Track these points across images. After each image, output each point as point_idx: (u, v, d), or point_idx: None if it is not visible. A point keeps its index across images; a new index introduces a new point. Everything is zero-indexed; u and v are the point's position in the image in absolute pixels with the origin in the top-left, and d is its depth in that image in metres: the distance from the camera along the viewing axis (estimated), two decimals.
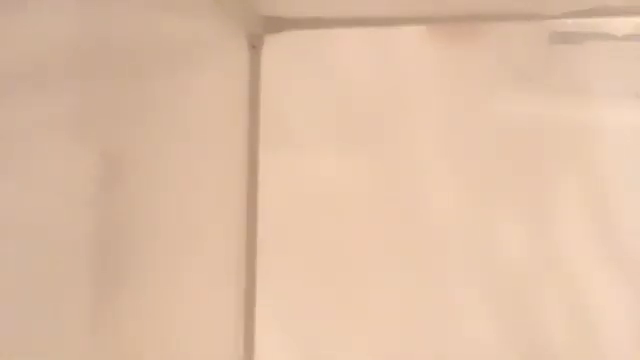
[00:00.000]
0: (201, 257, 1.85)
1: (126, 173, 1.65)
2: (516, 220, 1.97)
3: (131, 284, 1.63)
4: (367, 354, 2.00)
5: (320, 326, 2.01)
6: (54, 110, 1.42)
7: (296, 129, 2.03)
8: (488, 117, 1.99)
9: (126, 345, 1.61)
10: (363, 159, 2.03)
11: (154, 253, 1.70)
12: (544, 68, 1.98)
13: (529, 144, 1.97)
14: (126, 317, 1.62)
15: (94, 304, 1.55)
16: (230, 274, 2.01)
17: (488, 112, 2.00)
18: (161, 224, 1.72)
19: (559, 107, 1.97)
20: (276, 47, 2.00)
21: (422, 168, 2.00)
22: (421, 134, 2.01)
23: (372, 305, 2.01)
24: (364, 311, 2.01)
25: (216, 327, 1.96)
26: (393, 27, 1.97)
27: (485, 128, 1.99)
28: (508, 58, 1.98)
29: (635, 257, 1.94)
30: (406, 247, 2.00)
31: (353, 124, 2.03)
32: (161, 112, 1.72)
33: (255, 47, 2.00)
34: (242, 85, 2.01)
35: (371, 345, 2.00)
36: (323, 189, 2.03)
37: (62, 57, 1.43)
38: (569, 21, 1.92)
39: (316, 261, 2.02)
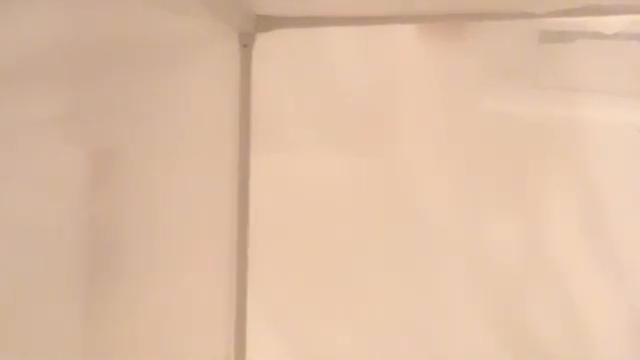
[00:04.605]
0: (193, 256, 1.85)
1: (117, 172, 1.65)
2: (508, 218, 1.98)
3: (123, 282, 1.63)
4: (360, 352, 2.00)
5: (312, 325, 2.01)
6: (44, 109, 1.42)
7: (287, 127, 2.03)
8: (479, 115, 2.00)
9: (119, 342, 1.61)
10: (354, 158, 2.04)
11: (146, 251, 1.70)
12: (535, 66, 1.99)
13: (520, 142, 1.97)
14: (119, 315, 1.61)
15: (87, 301, 1.55)
16: (222, 273, 2.01)
17: (479, 110, 2.00)
18: (152, 222, 1.72)
19: (550, 105, 1.98)
20: (267, 46, 2.00)
21: (413, 166, 2.00)
22: (412, 133, 2.01)
23: (365, 304, 2.01)
24: (356, 310, 2.01)
25: (208, 325, 1.96)
26: (384, 26, 1.97)
27: (476, 126, 1.99)
28: (499, 57, 1.99)
29: (625, 255, 1.95)
30: (398, 246, 2.00)
31: (344, 123, 2.03)
32: (152, 111, 1.71)
33: (246, 46, 2.00)
34: (233, 84, 2.01)
35: (364, 344, 2.00)
36: (314, 187, 2.03)
37: (52, 57, 1.42)
38: (559, 20, 1.93)
39: (307, 260, 2.02)
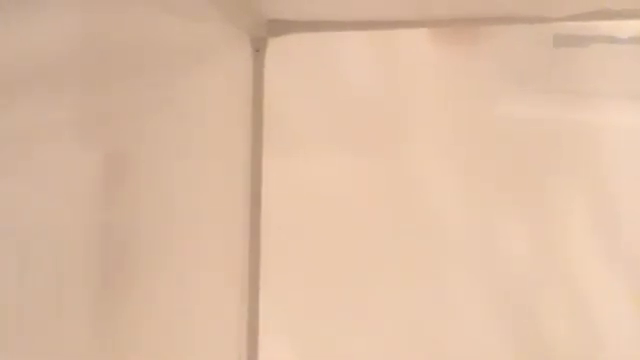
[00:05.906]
0: (205, 258, 1.85)
1: (130, 175, 1.65)
2: (518, 221, 1.97)
3: (136, 284, 1.64)
4: (369, 354, 2.00)
5: (324, 327, 2.00)
6: (58, 112, 1.43)
7: (299, 132, 2.03)
8: (491, 120, 1.99)
9: (131, 344, 1.61)
10: (366, 161, 2.03)
11: (158, 254, 1.70)
12: (548, 71, 1.98)
13: (532, 146, 1.96)
14: (130, 317, 1.62)
15: (97, 305, 1.55)
16: (234, 275, 2.01)
17: (491, 115, 2.00)
18: (165, 225, 1.73)
19: (563, 110, 1.97)
20: (279, 50, 2.00)
21: (425, 170, 2.00)
22: (424, 137, 2.01)
23: (375, 306, 2.00)
24: (367, 312, 2.00)
25: (220, 327, 1.96)
26: (396, 30, 1.97)
27: (488, 130, 1.98)
28: (512, 61, 1.98)
29: (636, 257, 1.94)
30: (409, 249, 1.99)
31: (356, 127, 2.03)
32: (165, 115, 1.72)
33: (259, 50, 2.00)
34: (246, 88, 2.01)
35: (373, 345, 2.00)
36: (326, 191, 2.03)
37: (66, 60, 1.43)
38: (573, 24, 1.92)
39: (320, 262, 2.01)
